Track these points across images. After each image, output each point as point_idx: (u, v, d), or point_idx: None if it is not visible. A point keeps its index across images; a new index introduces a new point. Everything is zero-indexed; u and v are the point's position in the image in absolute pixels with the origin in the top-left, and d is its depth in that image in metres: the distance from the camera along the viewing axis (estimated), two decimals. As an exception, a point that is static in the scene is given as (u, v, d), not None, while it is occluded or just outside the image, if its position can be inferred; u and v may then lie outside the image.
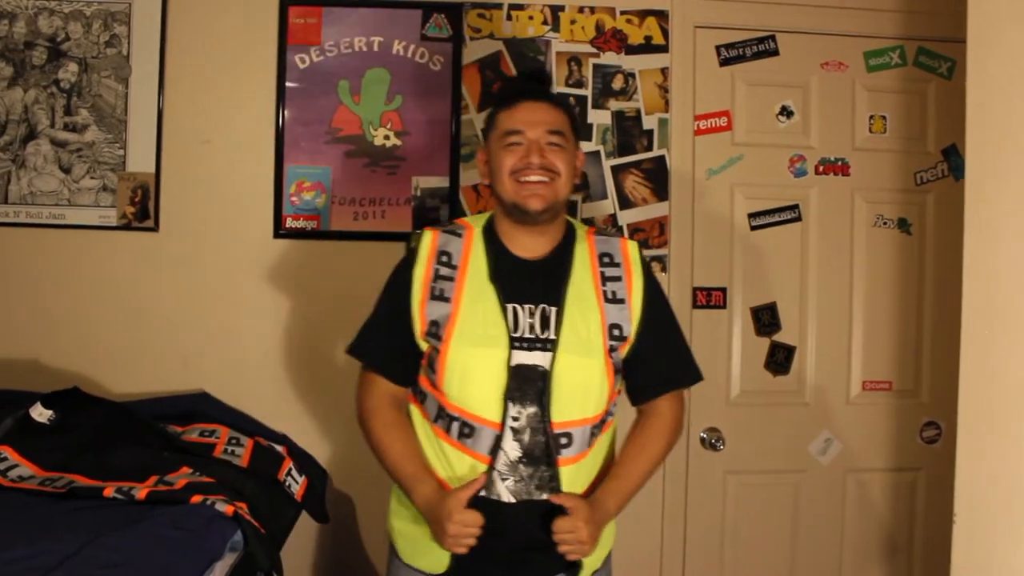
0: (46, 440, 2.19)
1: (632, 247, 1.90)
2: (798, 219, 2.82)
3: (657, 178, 2.74)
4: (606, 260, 1.86)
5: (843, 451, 2.84)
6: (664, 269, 2.73)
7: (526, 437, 1.76)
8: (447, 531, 1.70)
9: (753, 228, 2.80)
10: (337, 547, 2.69)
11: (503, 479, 1.77)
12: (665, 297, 1.94)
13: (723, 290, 2.78)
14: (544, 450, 1.76)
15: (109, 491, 1.98)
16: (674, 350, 1.94)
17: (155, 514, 1.86)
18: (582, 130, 2.61)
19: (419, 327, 1.80)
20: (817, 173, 2.82)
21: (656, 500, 2.75)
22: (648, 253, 2.72)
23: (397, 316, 1.83)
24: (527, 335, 1.76)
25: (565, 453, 1.76)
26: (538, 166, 1.78)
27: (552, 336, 1.76)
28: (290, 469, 2.40)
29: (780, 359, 2.81)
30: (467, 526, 1.70)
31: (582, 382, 1.77)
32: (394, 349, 1.85)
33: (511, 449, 1.76)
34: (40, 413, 2.25)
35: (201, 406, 2.57)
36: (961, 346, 1.66)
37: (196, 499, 1.93)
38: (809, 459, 2.82)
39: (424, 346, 1.82)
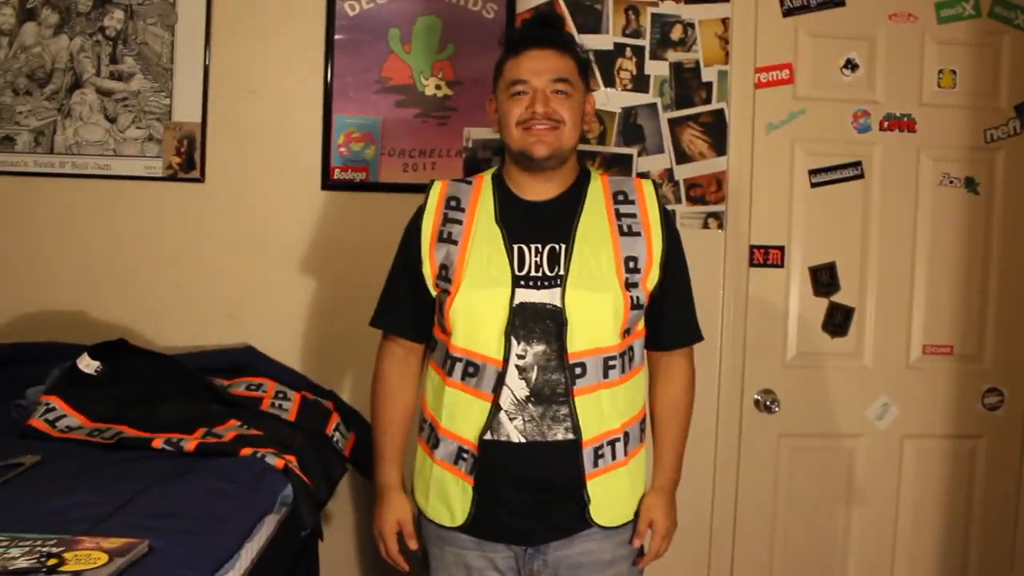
0: (94, 391, 2.16)
1: (647, 184, 1.89)
2: (860, 176, 2.71)
3: (715, 132, 2.65)
4: (620, 198, 1.85)
5: (901, 416, 2.76)
6: (721, 226, 2.65)
7: (533, 375, 1.73)
8: (377, 533, 1.92)
9: (814, 185, 2.70)
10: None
11: (511, 419, 1.74)
12: (681, 241, 1.90)
13: (781, 248, 2.70)
14: (557, 388, 1.73)
15: (158, 442, 1.95)
16: (690, 303, 1.93)
17: (205, 466, 1.82)
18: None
19: (430, 272, 1.81)
20: (881, 129, 2.71)
21: (708, 463, 2.69)
22: (705, 209, 2.65)
23: (410, 270, 1.85)
24: (534, 273, 1.75)
25: (579, 383, 1.74)
26: (543, 115, 1.77)
27: (561, 272, 1.75)
28: (338, 424, 2.36)
29: (838, 320, 2.73)
30: (388, 549, 1.91)
31: (593, 316, 1.75)
32: (415, 309, 1.87)
33: (517, 388, 1.73)
34: (87, 364, 2.23)
35: (247, 360, 2.54)
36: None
37: (246, 452, 1.89)
38: (866, 424, 2.75)
39: (434, 292, 1.83)
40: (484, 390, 1.74)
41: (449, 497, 1.80)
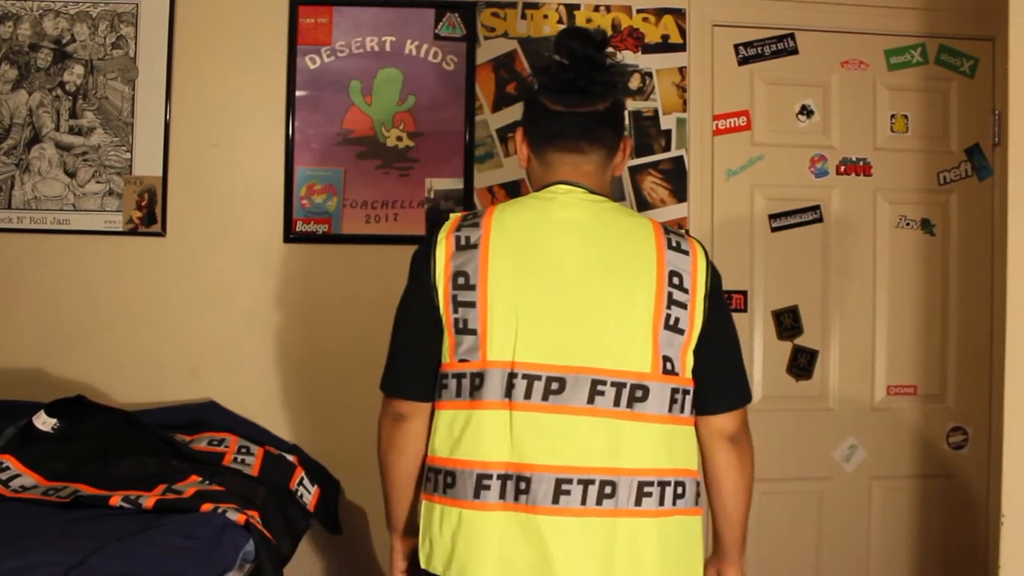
0: (50, 449, 2.12)
1: None
2: (819, 220, 2.75)
3: (676, 179, 2.68)
4: None
5: (868, 457, 2.76)
6: (683, 272, 2.67)
7: None
8: None
9: (774, 230, 2.74)
10: (349, 560, 2.61)
11: None
12: None
13: (744, 293, 2.72)
14: None
15: (115, 500, 1.90)
16: None
17: (164, 523, 1.78)
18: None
19: None
20: (838, 173, 2.76)
21: (677, 509, 2.67)
22: (667, 255, 2.66)
23: None
24: None
25: None
26: None
27: None
28: (302, 478, 2.33)
29: (803, 363, 2.74)
30: None
31: None
32: None
33: None
34: (44, 422, 2.19)
35: (209, 415, 2.51)
36: (1007, 342, 1.59)
37: (206, 507, 1.85)
38: (833, 466, 2.75)
39: None
40: None
41: None
